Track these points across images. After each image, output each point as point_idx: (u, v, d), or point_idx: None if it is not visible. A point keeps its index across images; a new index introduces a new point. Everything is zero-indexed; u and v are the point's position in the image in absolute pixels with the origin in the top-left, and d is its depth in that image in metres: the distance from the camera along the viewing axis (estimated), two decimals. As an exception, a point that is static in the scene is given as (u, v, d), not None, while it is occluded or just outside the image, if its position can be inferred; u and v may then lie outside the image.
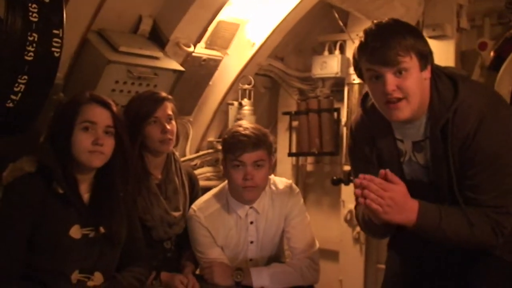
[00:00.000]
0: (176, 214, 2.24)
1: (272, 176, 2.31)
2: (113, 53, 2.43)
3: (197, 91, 3.10)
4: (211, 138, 3.39)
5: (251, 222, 2.23)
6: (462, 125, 1.63)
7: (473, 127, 1.61)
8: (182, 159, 2.99)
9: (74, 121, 1.76)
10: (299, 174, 3.69)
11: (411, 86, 1.61)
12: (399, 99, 1.62)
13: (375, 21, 1.72)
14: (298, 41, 3.58)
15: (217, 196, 2.26)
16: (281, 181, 2.31)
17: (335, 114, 3.41)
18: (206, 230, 2.20)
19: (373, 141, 1.81)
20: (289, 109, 3.60)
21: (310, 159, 3.63)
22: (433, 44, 1.70)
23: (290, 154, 3.59)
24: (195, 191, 2.41)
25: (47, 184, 1.73)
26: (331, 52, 3.40)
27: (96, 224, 1.79)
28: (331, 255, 3.35)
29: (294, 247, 2.25)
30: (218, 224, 2.21)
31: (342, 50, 3.39)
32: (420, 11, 2.94)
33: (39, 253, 1.72)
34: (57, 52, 1.90)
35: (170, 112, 2.22)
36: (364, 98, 1.84)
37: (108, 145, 1.79)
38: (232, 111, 3.30)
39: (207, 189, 2.41)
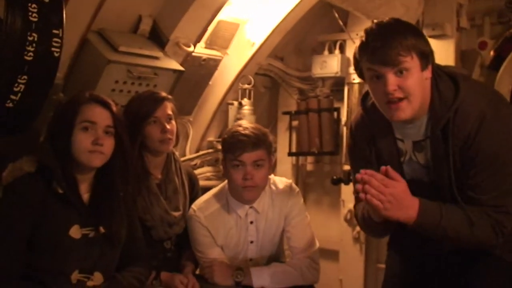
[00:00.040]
0: (176, 214, 2.24)
1: (272, 176, 2.31)
2: (113, 53, 2.43)
3: (197, 91, 3.10)
4: (211, 138, 3.39)
5: (251, 222, 2.23)
6: (463, 124, 1.63)
7: (474, 127, 1.61)
8: (182, 159, 2.99)
9: (73, 121, 1.76)
10: (299, 173, 3.69)
11: (412, 86, 1.61)
12: (400, 99, 1.62)
13: (376, 21, 1.72)
14: (298, 40, 3.58)
15: (217, 196, 2.26)
16: (281, 180, 2.31)
17: (335, 113, 3.41)
18: (206, 230, 2.20)
19: (373, 140, 1.81)
20: (289, 108, 3.61)
21: (310, 159, 3.63)
22: (433, 43, 1.70)
23: (290, 154, 3.59)
24: (195, 191, 2.41)
25: (47, 184, 1.73)
26: (331, 51, 3.40)
27: (96, 224, 1.79)
28: (331, 254, 3.35)
29: (294, 247, 2.25)
30: (218, 224, 2.21)
31: (342, 50, 3.39)
32: (420, 10, 2.94)
33: (39, 253, 1.72)
34: (56, 52, 1.90)
35: (170, 112, 2.22)
36: (364, 97, 1.84)
37: (108, 145, 1.79)
38: (232, 110, 3.30)
39: (207, 189, 2.41)
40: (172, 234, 2.24)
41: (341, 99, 3.42)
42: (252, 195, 2.18)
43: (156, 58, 2.62)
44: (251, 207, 2.22)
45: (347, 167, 3.17)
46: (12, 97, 1.87)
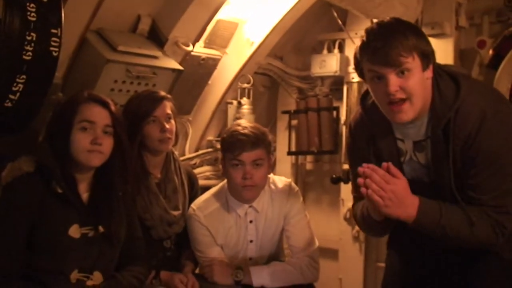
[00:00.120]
0: (176, 213, 2.24)
1: (271, 175, 2.31)
2: (112, 53, 2.43)
3: (196, 90, 3.10)
4: (210, 137, 3.38)
5: (251, 221, 2.23)
6: (463, 124, 1.62)
7: (475, 127, 1.61)
8: (182, 158, 2.99)
9: (72, 120, 1.76)
10: (298, 173, 3.69)
11: (413, 86, 1.61)
12: (402, 100, 1.62)
13: (377, 21, 1.71)
14: (297, 40, 3.58)
15: (216, 195, 2.26)
16: (280, 180, 2.31)
17: (334, 112, 3.41)
18: (205, 229, 2.20)
19: (372, 140, 1.80)
20: (288, 108, 3.60)
21: (309, 158, 3.63)
22: (432, 42, 1.69)
23: (290, 153, 3.59)
24: (195, 190, 2.41)
25: (46, 183, 1.73)
26: (330, 50, 3.40)
27: (95, 223, 1.79)
28: (331, 253, 3.35)
29: (293, 246, 2.25)
30: (217, 223, 2.21)
31: (341, 49, 3.39)
32: (419, 9, 2.93)
33: (38, 253, 1.73)
34: (55, 52, 1.90)
35: (169, 111, 2.22)
36: (364, 97, 1.84)
37: (107, 144, 1.79)
38: (231, 110, 3.30)
39: (206, 188, 2.41)
40: (171, 233, 2.25)
41: (340, 98, 3.42)
42: (252, 195, 2.18)
43: (155, 57, 2.62)
44: (250, 206, 2.22)
45: (346, 166, 3.17)
46: (11, 96, 1.87)
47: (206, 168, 3.32)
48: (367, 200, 1.64)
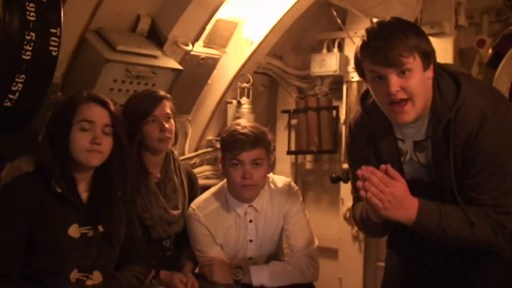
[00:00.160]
0: (175, 212, 2.24)
1: (271, 175, 2.31)
2: (111, 52, 2.43)
3: (195, 90, 3.09)
4: (210, 136, 3.38)
5: (250, 221, 2.23)
6: (464, 124, 1.62)
7: (475, 127, 1.61)
8: (181, 157, 2.99)
9: (71, 120, 1.76)
10: (298, 172, 3.69)
11: (414, 86, 1.60)
12: (404, 100, 1.61)
13: (377, 20, 1.70)
14: (297, 39, 3.58)
15: (216, 194, 2.26)
16: (280, 179, 2.31)
17: (334, 112, 3.41)
18: (205, 229, 2.20)
19: (373, 140, 1.80)
20: (288, 107, 3.60)
21: (309, 157, 3.63)
22: (431, 41, 1.69)
23: (289, 152, 3.59)
24: (194, 190, 2.41)
25: (45, 183, 1.73)
26: (329, 50, 3.39)
27: (94, 223, 1.79)
28: (330, 253, 3.35)
29: (293, 245, 2.25)
30: (217, 223, 2.21)
31: (341, 48, 3.39)
32: (418, 8, 2.93)
33: (38, 253, 1.73)
34: (54, 51, 1.90)
35: (168, 111, 2.22)
36: (364, 96, 1.83)
37: (106, 144, 1.79)
38: (231, 109, 3.30)
39: (206, 187, 2.41)
40: (171, 233, 2.25)
41: (340, 98, 3.41)
42: (251, 194, 2.18)
43: (155, 57, 2.62)
44: (250, 206, 2.22)
45: (346, 166, 3.17)
46: (10, 96, 1.87)
47: (205, 167, 3.32)
48: (366, 203, 1.64)
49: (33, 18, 1.83)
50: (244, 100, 3.28)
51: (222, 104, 3.32)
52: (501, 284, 1.71)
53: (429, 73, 1.65)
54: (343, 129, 3.35)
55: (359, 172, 1.59)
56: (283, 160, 3.65)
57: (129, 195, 1.98)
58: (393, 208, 1.58)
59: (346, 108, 3.35)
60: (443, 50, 2.92)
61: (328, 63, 3.34)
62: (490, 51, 3.04)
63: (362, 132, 1.84)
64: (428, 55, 1.63)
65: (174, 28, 2.70)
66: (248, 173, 2.11)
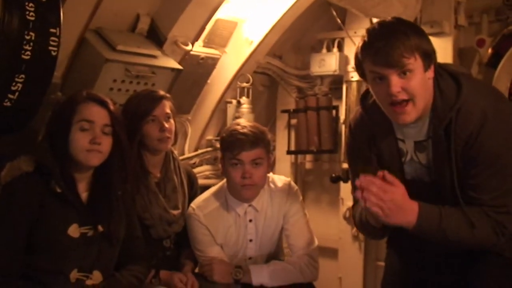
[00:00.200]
0: (175, 212, 2.24)
1: (270, 174, 2.31)
2: (111, 52, 2.42)
3: (195, 90, 3.09)
4: (209, 136, 3.38)
5: (250, 220, 2.23)
6: (465, 125, 1.62)
7: (476, 127, 1.61)
8: (181, 157, 2.98)
9: (71, 120, 1.76)
10: (298, 172, 3.69)
11: (415, 87, 1.60)
12: (405, 101, 1.61)
13: (378, 20, 1.70)
14: (296, 39, 3.58)
15: (216, 194, 2.26)
16: (279, 179, 2.32)
17: (334, 112, 3.41)
18: (205, 228, 2.20)
19: (373, 140, 1.80)
20: (287, 107, 3.60)
21: (309, 157, 3.62)
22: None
23: (289, 152, 3.59)
24: (194, 190, 2.41)
25: (45, 183, 1.73)
26: (329, 49, 3.39)
27: (94, 223, 1.79)
28: (330, 252, 3.35)
29: (293, 245, 2.25)
30: (217, 222, 2.21)
31: (340, 48, 3.38)
32: (418, 8, 2.93)
33: (38, 253, 1.73)
34: (54, 51, 1.90)
35: (168, 111, 2.22)
36: (364, 96, 1.83)
37: (106, 143, 1.79)
38: (231, 109, 3.30)
39: (206, 187, 2.41)
40: (171, 232, 2.25)
41: (340, 97, 3.41)
42: (251, 194, 2.18)
43: (154, 57, 2.62)
44: (250, 206, 2.22)
45: (345, 165, 3.16)
46: (10, 96, 1.87)
47: (205, 167, 3.32)
48: (366, 211, 1.63)
49: (32, 18, 1.83)
50: (243, 99, 3.28)
51: (221, 104, 3.32)
52: (501, 284, 1.70)
53: (430, 73, 1.65)
54: (343, 128, 3.35)
55: (357, 182, 1.59)
56: (283, 160, 3.65)
57: (129, 195, 1.98)
58: (394, 214, 1.58)
59: (345, 107, 3.35)
60: (443, 49, 2.91)
61: (327, 63, 3.34)
62: (489, 50, 3.04)
63: (362, 132, 1.83)
64: (429, 56, 1.63)
65: (173, 28, 2.70)
66: (248, 173, 2.11)
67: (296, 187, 2.31)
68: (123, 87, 2.51)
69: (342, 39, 3.38)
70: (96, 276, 1.79)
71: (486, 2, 3.11)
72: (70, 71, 2.44)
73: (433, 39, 1.70)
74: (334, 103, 3.43)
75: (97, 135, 1.77)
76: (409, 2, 2.83)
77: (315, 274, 2.23)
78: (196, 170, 3.06)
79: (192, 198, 2.32)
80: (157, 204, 2.20)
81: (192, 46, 2.83)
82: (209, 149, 3.34)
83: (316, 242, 2.27)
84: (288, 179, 2.34)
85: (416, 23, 2.88)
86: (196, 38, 2.86)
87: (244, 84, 3.31)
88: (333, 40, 3.40)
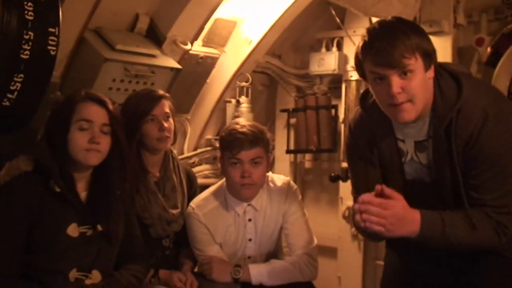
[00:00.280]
0: (174, 211, 2.24)
1: (269, 173, 2.32)
2: (110, 51, 2.42)
3: (194, 89, 3.09)
4: (209, 135, 3.38)
5: (249, 220, 2.23)
6: (465, 125, 1.62)
7: (477, 127, 1.60)
8: (180, 157, 2.98)
9: (70, 119, 1.76)
10: (297, 171, 3.69)
11: (416, 87, 1.60)
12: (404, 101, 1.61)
13: (378, 20, 1.69)
14: (296, 38, 3.57)
15: (215, 193, 2.26)
16: (279, 178, 2.32)
17: (333, 111, 3.41)
18: (204, 228, 2.20)
19: (373, 140, 1.79)
20: (287, 106, 3.60)
21: (308, 156, 3.62)
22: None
23: (288, 151, 3.59)
24: (193, 189, 2.41)
25: (44, 183, 1.73)
26: (328, 49, 3.39)
27: (93, 222, 1.79)
28: (330, 251, 3.35)
29: (292, 244, 2.25)
30: (216, 222, 2.21)
31: (340, 47, 3.38)
32: (417, 7, 2.93)
33: (37, 252, 1.73)
34: (53, 51, 1.89)
35: (167, 110, 2.22)
36: (364, 96, 1.83)
37: (105, 143, 1.79)
38: (230, 108, 3.30)
39: (205, 186, 2.41)
40: (170, 232, 2.25)
41: (339, 97, 3.41)
42: (250, 193, 2.18)
43: (153, 56, 2.62)
44: (249, 205, 2.23)
45: (345, 165, 3.17)
46: (9, 95, 1.87)
47: (204, 166, 3.32)
48: (365, 232, 1.62)
49: (31, 18, 1.82)
50: (243, 99, 3.28)
51: (221, 103, 3.31)
52: (501, 284, 1.70)
53: (430, 73, 1.65)
54: (342, 128, 3.35)
55: (356, 207, 1.58)
56: (282, 159, 3.65)
57: (128, 194, 1.98)
58: (396, 228, 1.57)
59: (345, 107, 3.35)
60: (442, 48, 2.91)
61: (327, 62, 3.34)
62: (489, 49, 3.04)
63: (362, 132, 1.83)
64: (429, 55, 1.63)
65: (172, 27, 2.70)
66: (247, 172, 2.12)
67: (295, 186, 2.32)
68: (122, 87, 2.51)
69: (341, 38, 3.38)
70: (95, 276, 1.79)
71: (485, 1, 3.11)
72: (69, 71, 2.44)
73: (432, 38, 1.70)
74: (333, 102, 3.43)
75: (96, 134, 1.77)
76: (409, 1, 2.83)
77: (314, 273, 2.24)
78: (195, 169, 3.06)
79: (191, 197, 2.33)
80: (156, 204, 2.20)
81: (191, 45, 2.82)
82: (208, 148, 3.34)
83: (315, 241, 2.27)
84: (287, 178, 2.34)
85: (415, 22, 2.88)
86: (195, 38, 2.85)
87: (243, 84, 3.31)
88: (332, 39, 3.40)
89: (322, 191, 3.64)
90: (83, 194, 1.82)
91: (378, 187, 1.58)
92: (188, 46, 2.79)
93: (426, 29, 2.90)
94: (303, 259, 2.20)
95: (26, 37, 1.82)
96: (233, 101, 3.31)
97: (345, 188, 3.27)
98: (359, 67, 1.70)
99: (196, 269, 2.30)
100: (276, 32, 3.24)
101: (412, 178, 1.75)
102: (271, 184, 2.27)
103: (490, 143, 1.60)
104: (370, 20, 2.89)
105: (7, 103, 1.89)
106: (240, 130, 2.13)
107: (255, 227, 2.24)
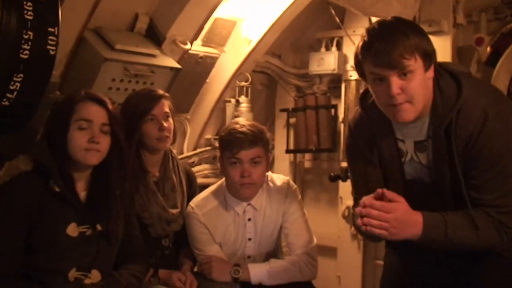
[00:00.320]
0: (174, 211, 2.24)
1: (269, 173, 2.32)
2: (109, 51, 2.42)
3: (194, 89, 3.10)
4: (208, 135, 3.38)
5: (249, 219, 2.23)
6: (465, 125, 1.61)
7: (477, 127, 1.60)
8: (180, 156, 2.99)
9: (69, 119, 1.76)
10: (297, 171, 3.69)
11: (415, 88, 1.59)
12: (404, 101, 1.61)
13: (378, 20, 1.69)
14: (295, 38, 3.58)
15: (214, 193, 2.26)
16: (278, 177, 2.32)
17: (333, 110, 3.41)
18: (204, 227, 2.20)
19: (373, 140, 1.79)
20: (286, 106, 3.60)
21: (307, 156, 3.63)
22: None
23: (288, 151, 3.59)
24: (193, 189, 2.41)
25: (43, 182, 1.73)
26: (328, 48, 3.39)
27: (93, 222, 1.79)
28: (329, 251, 3.35)
29: (292, 243, 2.25)
30: (216, 221, 2.21)
31: (339, 47, 3.38)
32: (417, 7, 2.93)
33: (36, 252, 1.72)
34: (52, 50, 1.89)
35: (167, 110, 2.22)
36: (364, 96, 1.82)
37: (104, 143, 1.79)
38: (230, 108, 3.30)
39: (204, 186, 2.41)
40: (170, 231, 2.25)
41: (338, 96, 3.41)
42: (250, 193, 2.18)
43: (153, 56, 2.62)
44: (248, 204, 2.23)
45: (344, 164, 3.17)
46: (8, 95, 1.87)
47: (204, 166, 3.32)
48: (366, 235, 1.62)
49: (31, 17, 1.82)
50: (242, 98, 3.28)
51: (220, 103, 3.32)
52: (501, 284, 1.70)
53: (430, 73, 1.64)
54: (342, 127, 3.36)
55: (357, 210, 1.58)
56: (282, 159, 3.65)
57: (128, 194, 1.98)
58: (399, 231, 1.57)
59: (344, 106, 3.35)
60: (442, 48, 2.91)
61: (326, 62, 3.34)
62: (488, 49, 3.05)
63: (362, 132, 1.83)
64: (429, 55, 1.62)
65: (172, 27, 2.70)
66: (247, 172, 2.12)
67: (295, 186, 2.32)
68: (122, 86, 2.51)
69: (341, 38, 3.38)
70: (95, 275, 1.79)
71: (484, 1, 3.11)
72: (69, 70, 2.44)
73: (431, 38, 1.70)
74: (333, 102, 3.43)
75: (95, 134, 1.77)
76: (408, 1, 2.83)
77: (314, 273, 2.23)
78: (195, 169, 3.06)
79: (191, 197, 2.33)
80: (155, 203, 2.20)
81: (191, 45, 2.82)
82: (208, 148, 3.35)
83: (315, 241, 2.27)
84: (287, 178, 2.34)
85: (414, 22, 2.88)
86: (195, 37, 2.85)
87: (243, 83, 3.31)
88: (332, 39, 3.40)
89: (322, 190, 3.65)
90: (82, 194, 1.82)
91: (379, 191, 1.58)
92: (188, 46, 2.79)
93: (426, 29, 2.90)
94: (302, 259, 2.20)
95: (26, 37, 1.82)
96: (233, 100, 3.31)
97: (345, 187, 3.27)
98: (358, 67, 1.69)
99: (195, 269, 2.30)
100: (276, 31, 3.25)
101: (412, 178, 1.75)
102: (270, 184, 2.27)
103: (490, 143, 1.60)
104: (370, 20, 2.89)
105: (7, 103, 1.89)
106: (239, 129, 2.13)
107: (255, 227, 2.24)
